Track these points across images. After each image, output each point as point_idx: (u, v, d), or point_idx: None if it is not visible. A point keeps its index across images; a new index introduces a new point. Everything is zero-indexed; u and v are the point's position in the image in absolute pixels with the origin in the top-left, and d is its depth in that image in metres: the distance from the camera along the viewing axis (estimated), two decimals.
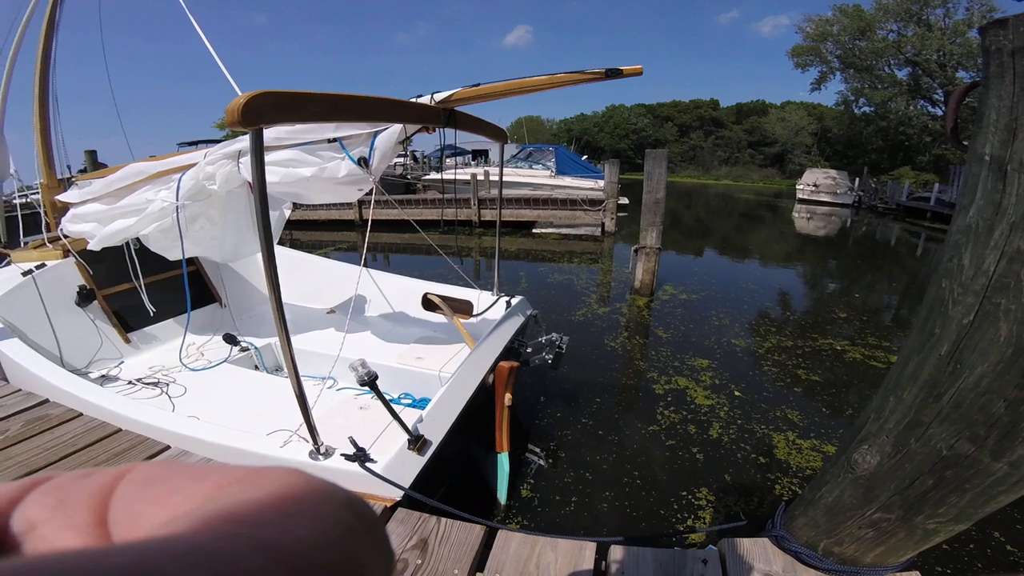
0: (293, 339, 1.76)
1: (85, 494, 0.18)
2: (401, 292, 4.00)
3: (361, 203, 12.44)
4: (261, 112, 1.41)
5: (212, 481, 0.18)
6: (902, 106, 30.69)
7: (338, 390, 2.96)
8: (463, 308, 3.53)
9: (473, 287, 3.80)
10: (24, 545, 0.17)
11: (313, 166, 2.27)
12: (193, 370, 3.08)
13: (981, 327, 0.97)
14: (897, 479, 1.20)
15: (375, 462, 1.86)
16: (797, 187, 26.46)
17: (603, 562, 1.55)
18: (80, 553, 0.14)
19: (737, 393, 4.05)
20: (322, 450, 1.90)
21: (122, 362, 3.20)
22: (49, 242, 3.42)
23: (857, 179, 25.37)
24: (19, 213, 3.97)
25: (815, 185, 25.41)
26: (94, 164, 12.75)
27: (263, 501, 0.17)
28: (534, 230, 13.03)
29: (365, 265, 3.51)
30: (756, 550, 1.53)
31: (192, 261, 3.80)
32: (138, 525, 0.17)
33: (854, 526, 1.33)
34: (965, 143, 1.02)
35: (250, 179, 2.30)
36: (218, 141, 3.59)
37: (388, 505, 1.76)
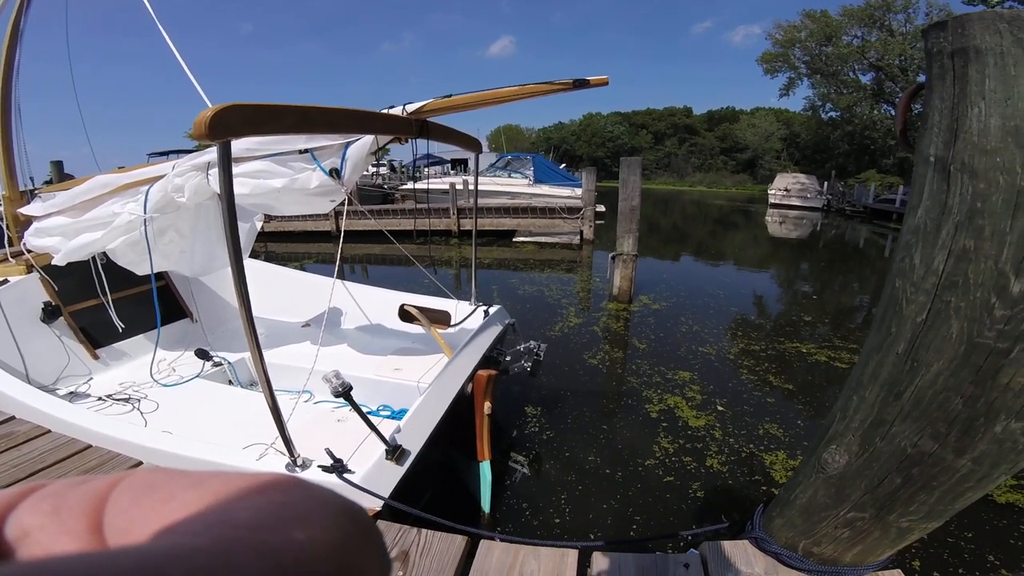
0: (267, 353, 1.74)
1: (80, 500, 0.18)
2: (377, 304, 3.97)
3: (337, 214, 12.33)
4: (229, 125, 1.40)
5: (210, 487, 0.18)
6: (867, 110, 31.85)
7: (315, 403, 2.91)
8: (440, 318, 3.52)
9: (451, 297, 3.79)
10: (18, 552, 0.17)
11: (284, 177, 2.25)
12: (165, 386, 3.00)
13: (934, 325, 1.00)
14: (866, 478, 1.22)
15: (353, 473, 1.85)
16: (769, 192, 27.07)
17: (586, 569, 1.55)
18: (82, 557, 0.14)
19: (720, 408, 4.00)
20: (299, 462, 1.88)
21: (91, 378, 3.11)
22: (12, 257, 3.32)
23: (826, 183, 26.10)
24: None
25: (786, 190, 26.04)
26: (60, 175, 12.35)
27: (262, 507, 0.17)
28: (515, 239, 13.06)
29: (341, 277, 3.48)
30: (737, 553, 1.54)
31: (161, 276, 3.72)
32: (135, 531, 0.17)
33: (830, 526, 1.35)
34: (915, 145, 1.05)
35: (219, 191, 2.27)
36: (189, 151, 3.53)
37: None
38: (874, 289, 8.83)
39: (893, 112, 30.92)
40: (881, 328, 1.13)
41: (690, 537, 2.52)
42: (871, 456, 1.19)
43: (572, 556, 1.57)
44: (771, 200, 26.45)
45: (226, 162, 1.46)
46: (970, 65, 0.89)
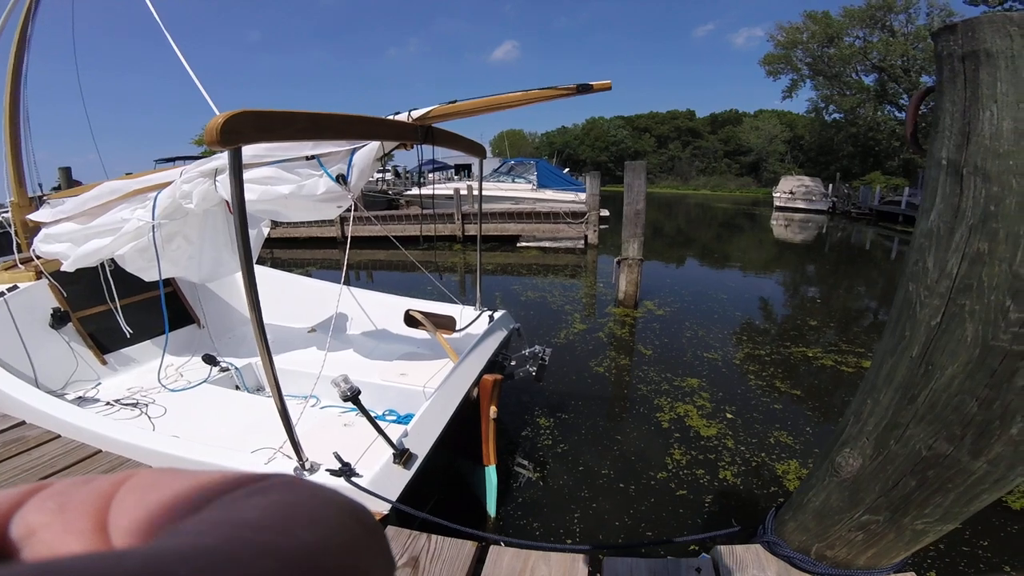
0: (275, 358, 1.75)
1: (86, 499, 0.18)
2: (383, 309, 3.98)
3: (343, 220, 12.38)
4: (240, 131, 1.41)
5: (215, 487, 0.18)
6: (870, 112, 31.73)
7: (321, 408, 2.92)
8: (445, 323, 3.53)
9: (455, 302, 3.79)
10: (23, 551, 0.17)
11: (291, 183, 2.27)
12: (173, 391, 3.02)
13: (948, 328, 0.99)
14: (881, 481, 1.21)
15: (361, 476, 1.85)
16: (774, 195, 27.01)
17: (597, 574, 1.54)
18: (87, 558, 0.14)
19: (730, 415, 3.94)
20: (307, 466, 1.88)
21: (99, 384, 3.13)
22: (21, 263, 3.34)
23: (831, 185, 26.03)
24: None
25: (791, 192, 25.99)
26: (68, 181, 12.44)
27: (268, 507, 0.17)
28: (519, 244, 13.07)
29: (347, 283, 3.49)
30: (749, 557, 1.53)
31: (169, 282, 3.74)
32: (140, 531, 0.17)
33: (843, 529, 1.34)
34: (925, 147, 1.05)
35: (227, 197, 2.28)
36: (196, 158, 3.55)
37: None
38: (881, 292, 8.77)
39: (897, 113, 30.84)
40: (895, 332, 1.12)
41: (699, 545, 2.51)
42: (885, 459, 1.18)
43: (583, 561, 1.56)
44: (776, 203, 26.38)
45: (237, 168, 1.47)
46: (981, 68, 0.88)
